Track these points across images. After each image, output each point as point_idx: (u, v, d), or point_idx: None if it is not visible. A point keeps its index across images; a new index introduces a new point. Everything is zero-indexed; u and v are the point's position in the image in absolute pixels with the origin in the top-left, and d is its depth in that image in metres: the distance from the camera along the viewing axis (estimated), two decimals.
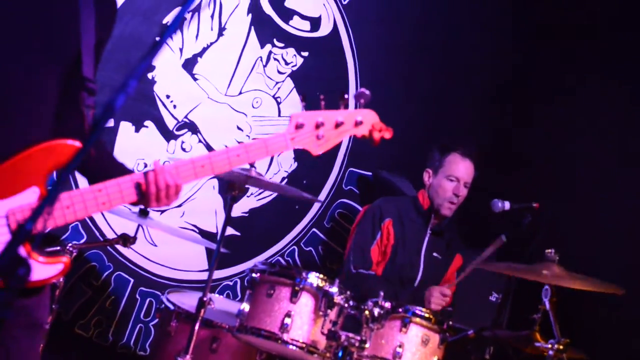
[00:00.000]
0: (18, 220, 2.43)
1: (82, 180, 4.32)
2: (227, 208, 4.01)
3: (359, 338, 3.84)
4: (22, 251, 1.93)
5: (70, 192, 2.50)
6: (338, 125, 2.64)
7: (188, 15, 4.93)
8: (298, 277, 3.92)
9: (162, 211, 4.93)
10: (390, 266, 4.82)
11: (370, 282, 4.69)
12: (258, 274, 4.00)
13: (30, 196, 2.45)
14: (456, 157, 4.86)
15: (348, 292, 3.97)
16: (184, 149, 5.05)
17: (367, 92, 2.68)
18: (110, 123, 4.69)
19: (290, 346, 3.85)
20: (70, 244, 4.00)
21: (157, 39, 2.11)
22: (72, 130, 2.62)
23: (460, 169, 4.86)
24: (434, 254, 4.93)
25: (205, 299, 3.92)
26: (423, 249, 4.90)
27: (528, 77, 6.05)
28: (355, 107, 2.70)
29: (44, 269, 2.46)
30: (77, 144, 2.50)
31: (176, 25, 2.08)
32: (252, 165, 4.09)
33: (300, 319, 3.88)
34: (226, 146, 5.03)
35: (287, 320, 3.85)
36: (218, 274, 5.17)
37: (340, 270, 4.94)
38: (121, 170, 2.66)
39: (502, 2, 6.17)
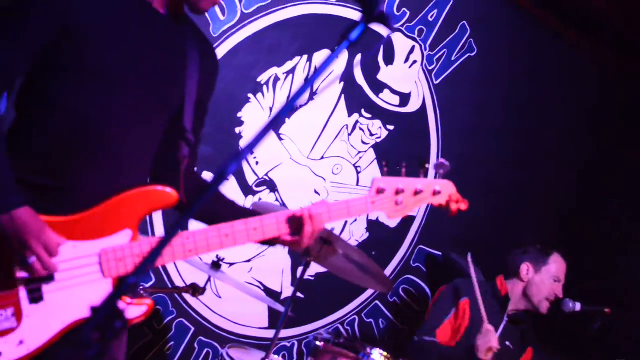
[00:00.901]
0: (119, 272, 2.49)
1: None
2: (302, 272, 4.01)
3: None
4: (121, 304, 1.95)
5: (160, 238, 2.54)
6: (417, 193, 2.71)
7: (282, 76, 5.00)
8: (362, 351, 3.90)
9: (231, 264, 4.95)
10: (465, 345, 4.76)
11: (433, 349, 4.65)
12: (322, 343, 3.99)
13: (123, 238, 2.51)
14: (559, 258, 4.91)
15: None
16: (260, 200, 5.07)
17: (447, 163, 2.73)
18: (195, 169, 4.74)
19: None
20: (141, 287, 4.03)
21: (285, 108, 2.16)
22: (167, 176, 2.68)
23: (562, 270, 4.89)
24: (507, 343, 4.86)
25: None
26: (497, 334, 4.82)
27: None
28: (435, 177, 2.74)
29: (130, 311, 2.49)
30: (171, 191, 2.55)
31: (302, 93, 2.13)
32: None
33: None
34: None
35: None
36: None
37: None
38: (233, 211, 2.72)
39: (589, 83, 6.13)
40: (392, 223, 5.47)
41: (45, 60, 2.47)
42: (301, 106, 5.09)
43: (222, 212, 2.66)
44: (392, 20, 2.30)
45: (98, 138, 2.50)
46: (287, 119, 5.07)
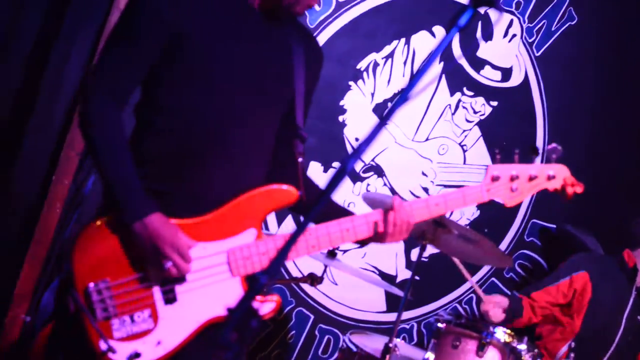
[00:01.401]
0: (247, 271, 2.56)
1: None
2: (418, 256, 4.00)
3: None
4: (255, 303, 1.99)
5: (284, 235, 2.60)
6: (532, 178, 2.69)
7: (381, 61, 4.99)
8: (485, 330, 3.88)
9: (345, 251, 4.98)
10: (589, 323, 4.69)
11: (516, 304, 4.63)
12: (444, 324, 3.98)
13: (248, 237, 2.57)
14: None
15: (536, 350, 3.89)
16: (368, 191, 5.08)
17: (560, 147, 2.70)
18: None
19: None
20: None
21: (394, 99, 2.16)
22: (286, 175, 2.72)
23: None
24: (639, 317, 4.76)
25: (391, 345, 3.92)
26: (627, 310, 4.72)
27: None
28: (548, 162, 2.71)
29: (260, 308, 2.54)
30: (292, 189, 2.59)
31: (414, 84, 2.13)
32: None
33: None
34: (410, 192, 5.17)
35: None
36: (394, 317, 5.15)
37: None
38: (338, 210, 2.74)
39: None
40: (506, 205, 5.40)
41: (159, 67, 2.54)
42: (402, 89, 5.06)
43: (328, 210, 2.68)
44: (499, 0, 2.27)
45: (217, 140, 2.55)
46: (389, 103, 5.06)
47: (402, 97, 2.16)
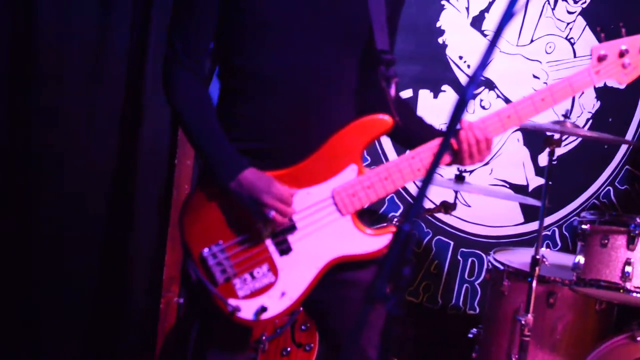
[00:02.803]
0: (355, 208, 2.56)
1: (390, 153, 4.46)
2: (548, 161, 3.92)
3: None
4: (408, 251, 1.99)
5: (386, 165, 2.58)
6: None
7: None
8: (632, 223, 3.78)
9: (471, 172, 4.93)
10: None
11: None
12: (588, 225, 3.90)
13: (350, 174, 2.57)
14: None
15: None
16: (483, 107, 5.01)
17: None
18: (409, 93, 4.74)
19: (635, 294, 3.73)
20: (395, 217, 4.11)
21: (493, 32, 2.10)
22: (375, 104, 2.67)
23: None
24: None
25: (538, 257, 3.88)
26: None
27: None
28: None
29: (374, 241, 2.55)
30: (385, 116, 2.56)
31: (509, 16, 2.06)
32: (565, 116, 3.99)
33: None
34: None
35: (628, 269, 3.73)
36: (533, 226, 5.10)
37: None
38: (432, 132, 2.71)
39: None
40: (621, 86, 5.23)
41: (224, 30, 2.56)
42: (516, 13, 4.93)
43: (425, 135, 2.63)
44: None
45: (299, 88, 2.54)
46: (485, 14, 4.93)
47: (507, 14, 2.09)
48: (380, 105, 2.62)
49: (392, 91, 2.63)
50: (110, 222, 4.06)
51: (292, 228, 2.56)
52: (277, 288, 2.57)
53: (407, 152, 2.62)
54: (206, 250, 2.56)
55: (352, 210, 2.57)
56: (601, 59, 2.55)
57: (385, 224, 3.98)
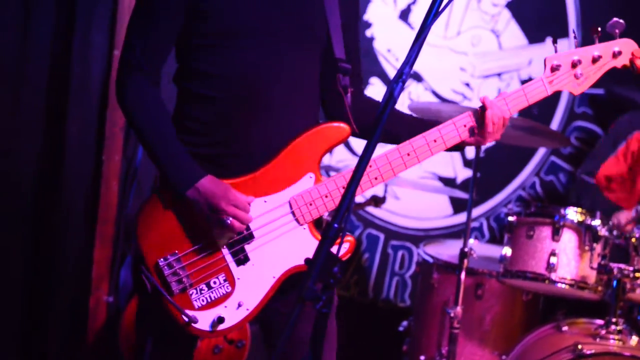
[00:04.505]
0: (312, 217, 2.58)
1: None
2: (475, 154, 4.00)
3: (631, 268, 3.77)
4: (334, 248, 2.02)
5: (343, 173, 2.60)
6: (595, 60, 2.63)
7: None
8: (557, 214, 3.88)
9: None
10: None
11: (588, 193, 4.62)
12: (514, 217, 3.99)
13: (307, 182, 2.58)
14: None
15: (611, 222, 3.89)
16: (411, 99, 5.08)
17: (621, 21, 2.60)
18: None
19: (559, 284, 3.84)
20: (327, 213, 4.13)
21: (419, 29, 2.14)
22: (334, 112, 2.71)
23: None
24: None
25: (466, 249, 3.96)
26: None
27: None
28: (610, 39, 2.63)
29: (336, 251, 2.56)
30: (342, 124, 2.58)
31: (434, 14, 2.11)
32: None
33: (566, 257, 3.85)
34: (453, 90, 5.14)
35: (553, 260, 3.84)
36: (461, 218, 5.19)
37: None
38: (418, 122, 2.73)
39: None
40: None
41: (185, 34, 2.57)
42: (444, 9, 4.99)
43: (401, 130, 2.65)
44: None
45: (257, 94, 2.57)
46: (412, 6, 5.00)
47: (434, 11, 2.14)
48: (340, 113, 2.66)
49: (349, 99, 2.65)
50: (36, 220, 4.02)
51: (249, 237, 2.57)
52: (233, 298, 2.57)
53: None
54: (162, 260, 2.54)
55: (309, 219, 2.58)
56: (554, 69, 2.60)
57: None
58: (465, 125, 2.60)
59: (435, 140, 2.59)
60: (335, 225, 2.01)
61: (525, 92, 2.62)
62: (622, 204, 4.62)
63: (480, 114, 2.60)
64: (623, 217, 4.44)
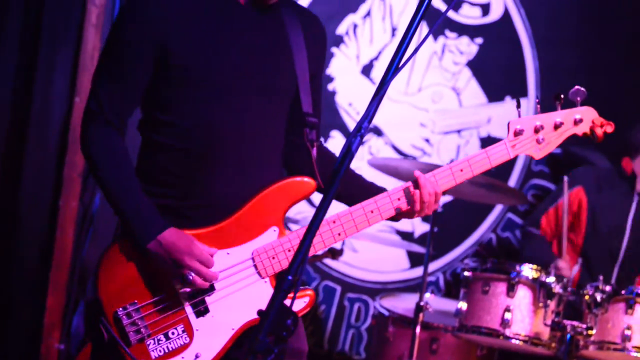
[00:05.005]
0: (274, 270, 2.57)
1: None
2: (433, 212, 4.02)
3: (584, 325, 3.82)
4: (287, 301, 2.01)
5: (336, 215, 2.58)
6: (557, 126, 2.65)
7: (360, 22, 4.99)
8: (513, 271, 3.94)
9: None
10: (592, 236, 4.74)
11: (532, 243, 4.73)
12: (471, 272, 4.03)
13: (271, 236, 2.58)
14: None
15: (565, 279, 3.94)
16: (372, 153, 5.12)
17: (583, 89, 2.65)
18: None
19: (513, 340, 3.88)
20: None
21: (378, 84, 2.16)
22: (300, 165, 2.71)
23: None
24: None
25: (422, 303, 3.97)
26: (630, 214, 4.77)
27: None
28: (572, 106, 2.67)
29: (296, 304, 2.56)
30: (308, 179, 2.58)
31: (395, 68, 2.13)
32: None
33: (520, 313, 3.90)
34: (412, 145, 5.20)
35: (507, 315, 3.87)
36: (418, 272, 5.21)
37: None
38: (366, 190, 2.72)
39: None
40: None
41: (152, 84, 2.57)
42: (386, 45, 5.09)
43: (354, 190, 2.66)
44: None
45: (221, 147, 2.57)
46: (375, 62, 5.07)
47: (393, 68, 2.16)
48: (305, 166, 2.67)
49: (314, 153, 2.66)
50: None
51: (210, 289, 2.56)
52: (191, 350, 2.55)
53: (329, 215, 2.59)
54: (120, 309, 2.52)
55: (271, 273, 2.58)
56: (517, 133, 2.62)
57: (302, 287, 4.00)
58: (399, 199, 2.59)
59: (372, 211, 2.59)
60: (289, 277, 2.00)
61: (488, 155, 2.63)
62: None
63: (413, 189, 2.59)
64: (561, 263, 4.52)
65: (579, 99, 2.64)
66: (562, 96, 2.63)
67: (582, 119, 2.66)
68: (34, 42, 3.96)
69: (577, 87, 2.63)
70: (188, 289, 2.53)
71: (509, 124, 2.63)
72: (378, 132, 5.14)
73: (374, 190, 2.69)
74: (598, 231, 4.77)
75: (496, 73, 5.35)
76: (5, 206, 3.98)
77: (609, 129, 2.67)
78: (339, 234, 2.59)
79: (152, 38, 2.50)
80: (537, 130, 2.62)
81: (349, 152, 2.12)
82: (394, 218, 2.64)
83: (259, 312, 2.05)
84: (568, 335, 3.83)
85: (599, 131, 2.66)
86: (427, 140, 5.27)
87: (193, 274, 2.48)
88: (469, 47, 5.32)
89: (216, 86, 2.55)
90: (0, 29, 3.94)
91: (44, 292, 4.06)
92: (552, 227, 4.83)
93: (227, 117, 2.56)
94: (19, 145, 3.98)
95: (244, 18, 2.60)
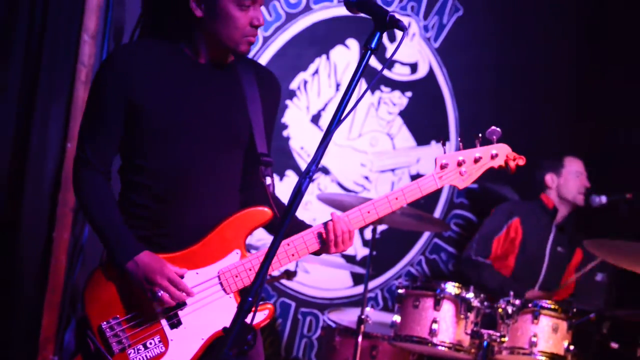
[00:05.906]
0: (237, 287, 2.61)
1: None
2: (372, 236, 4.11)
3: (498, 334, 3.90)
4: (248, 318, 2.05)
5: (264, 250, 2.60)
6: (477, 160, 2.70)
7: (309, 78, 5.07)
8: (438, 288, 4.01)
9: None
10: (521, 258, 4.88)
11: (486, 271, 4.74)
12: (403, 290, 4.10)
13: (234, 257, 2.63)
14: (571, 157, 5.01)
15: (482, 295, 4.01)
16: (320, 189, 5.18)
17: (498, 129, 2.70)
18: None
19: (440, 347, 3.95)
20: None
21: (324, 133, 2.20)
22: (257, 198, 2.74)
23: (579, 164, 4.99)
24: (559, 249, 4.96)
25: (363, 316, 4.02)
26: (549, 244, 4.93)
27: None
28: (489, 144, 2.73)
29: (258, 316, 2.60)
30: (266, 209, 2.63)
31: (338, 119, 2.18)
32: None
33: (445, 324, 3.97)
34: (355, 182, 5.27)
35: (435, 326, 3.94)
36: (360, 289, 5.25)
37: (461, 255, 5.03)
38: (299, 224, 2.74)
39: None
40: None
41: (128, 134, 2.64)
42: (331, 98, 5.16)
43: (296, 227, 2.69)
44: (400, 22, 2.29)
45: (187, 186, 2.63)
46: (322, 112, 5.14)
47: (337, 120, 2.19)
48: (260, 199, 2.71)
49: (270, 188, 2.71)
50: None
51: (182, 304, 2.60)
52: (167, 357, 2.58)
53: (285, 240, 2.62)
54: (104, 323, 2.57)
55: (235, 289, 2.62)
56: (443, 167, 2.67)
57: (262, 302, 4.02)
58: (318, 236, 2.62)
59: (288, 244, 2.62)
60: (250, 298, 2.04)
61: (419, 186, 2.68)
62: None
63: (330, 226, 2.61)
64: (529, 294, 4.67)
65: (494, 137, 2.69)
66: (480, 135, 2.70)
67: (498, 154, 2.71)
68: (32, 95, 4.00)
69: (493, 127, 2.69)
70: (162, 304, 2.57)
71: (436, 159, 2.69)
72: (326, 171, 5.21)
73: (305, 226, 2.70)
74: (526, 256, 4.89)
75: (423, 121, 5.48)
76: (6, 237, 3.96)
77: (521, 162, 2.73)
78: (293, 255, 2.63)
79: (121, 93, 2.57)
80: (460, 164, 2.67)
81: (299, 192, 2.17)
82: (317, 253, 2.66)
83: (224, 329, 2.09)
84: (485, 342, 3.92)
85: (512, 164, 2.72)
86: (366, 178, 5.35)
87: (162, 292, 2.52)
88: (401, 100, 5.43)
89: (178, 135, 2.60)
90: (4, 80, 3.98)
91: (40, 311, 4.05)
92: (497, 254, 4.92)
93: (188, 160, 2.61)
94: (18, 184, 3.98)
95: (203, 74, 2.65)
